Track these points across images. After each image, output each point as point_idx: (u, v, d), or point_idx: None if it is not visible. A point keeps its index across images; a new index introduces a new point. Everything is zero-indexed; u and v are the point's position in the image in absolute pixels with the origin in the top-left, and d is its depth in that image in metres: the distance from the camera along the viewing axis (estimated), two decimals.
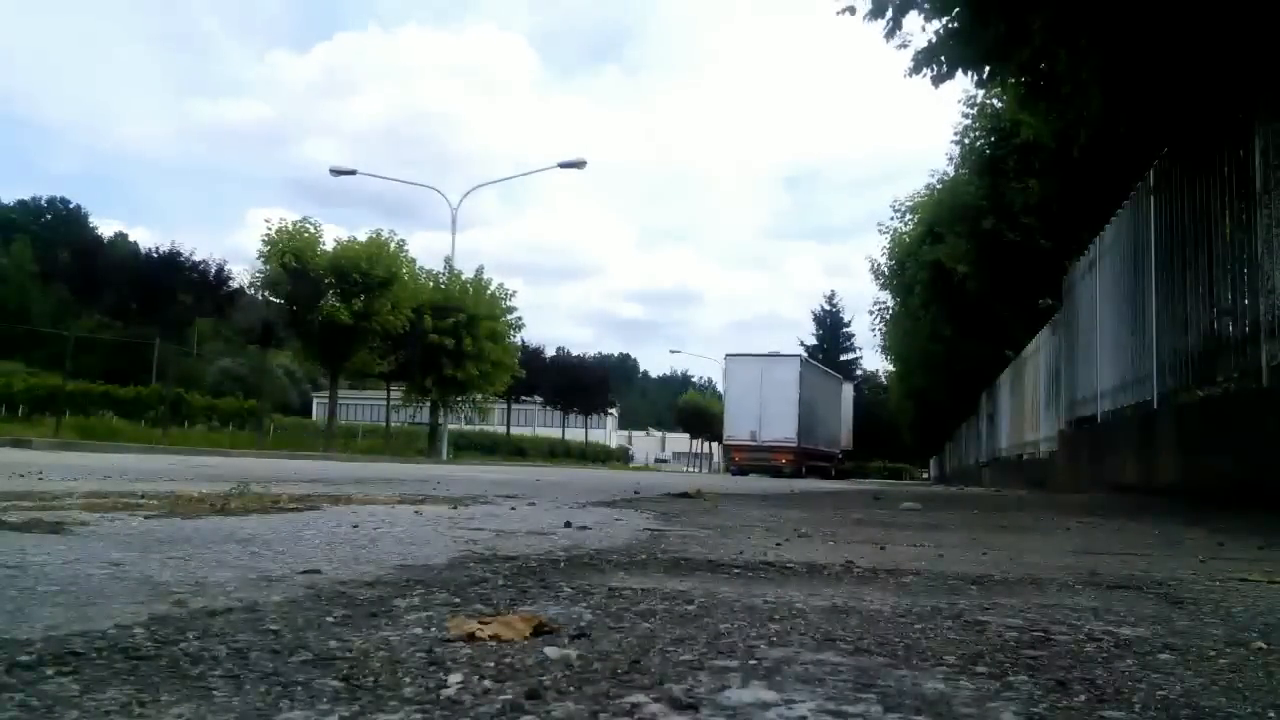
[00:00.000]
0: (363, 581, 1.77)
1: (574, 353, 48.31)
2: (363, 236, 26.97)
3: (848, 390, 48.60)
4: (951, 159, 20.34)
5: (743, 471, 33.34)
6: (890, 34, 7.40)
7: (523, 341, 35.86)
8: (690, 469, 57.01)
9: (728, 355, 37.93)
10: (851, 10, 7.29)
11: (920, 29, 7.60)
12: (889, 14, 7.26)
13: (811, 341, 75.28)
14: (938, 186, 22.62)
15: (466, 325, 28.60)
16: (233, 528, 2.75)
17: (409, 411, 33.08)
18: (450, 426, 32.51)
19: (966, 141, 18.00)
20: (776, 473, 31.99)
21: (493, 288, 30.73)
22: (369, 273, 25.69)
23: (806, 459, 37.12)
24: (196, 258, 24.17)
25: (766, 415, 35.48)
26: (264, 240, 25.69)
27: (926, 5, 7.32)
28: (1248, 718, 1.05)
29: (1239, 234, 6.14)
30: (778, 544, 2.92)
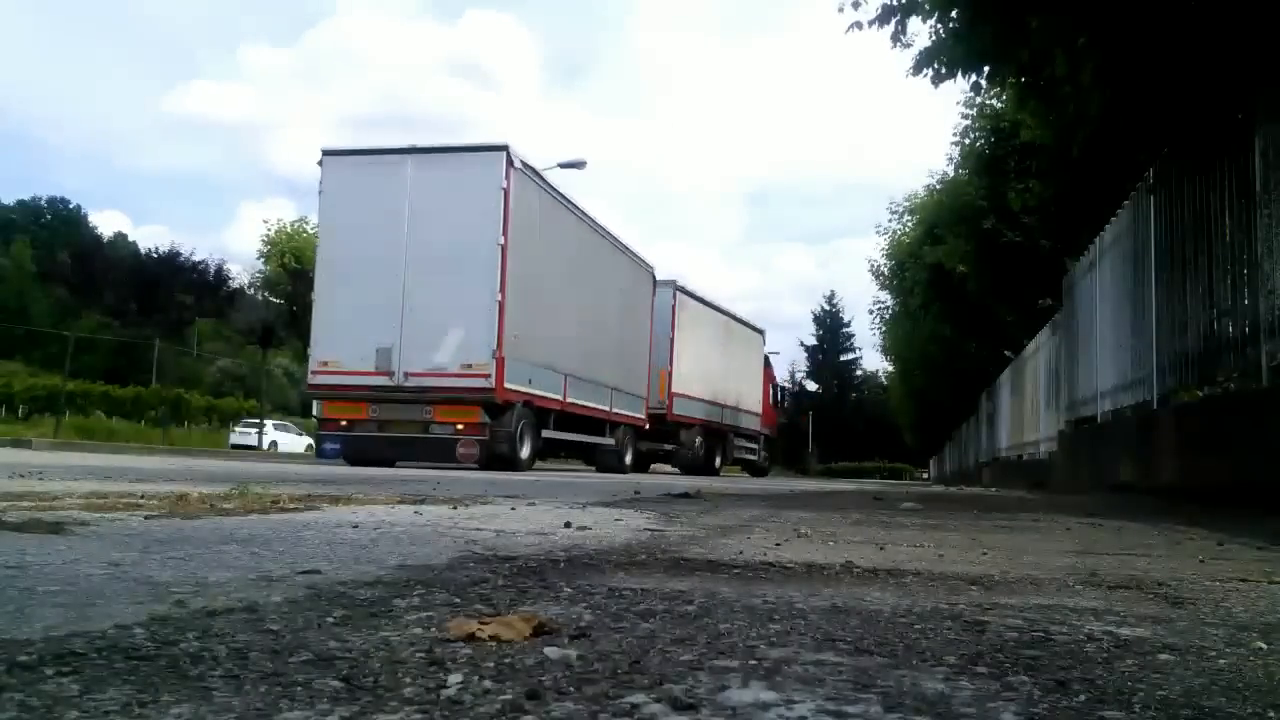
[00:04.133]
0: (363, 581, 1.77)
1: None
2: None
3: (754, 342, 29.83)
4: (951, 159, 20.35)
5: (353, 455, 14.01)
6: (896, 38, 7.43)
7: None
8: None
9: (325, 153, 14.84)
10: (859, 26, 7.35)
11: (921, 31, 7.63)
12: (895, 20, 7.30)
13: (811, 341, 75.29)
14: (937, 187, 22.63)
15: None
16: (233, 528, 2.75)
17: None
18: None
19: (966, 142, 18.01)
20: (443, 455, 13.79)
21: None
22: None
23: (573, 426, 17.22)
24: (196, 257, 24.22)
25: (420, 304, 13.93)
26: (263, 240, 25.67)
27: (926, 6, 7.34)
28: (1248, 718, 1.05)
29: (1239, 234, 6.14)
30: (777, 544, 2.92)
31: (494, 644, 1.25)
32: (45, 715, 0.89)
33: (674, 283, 23.56)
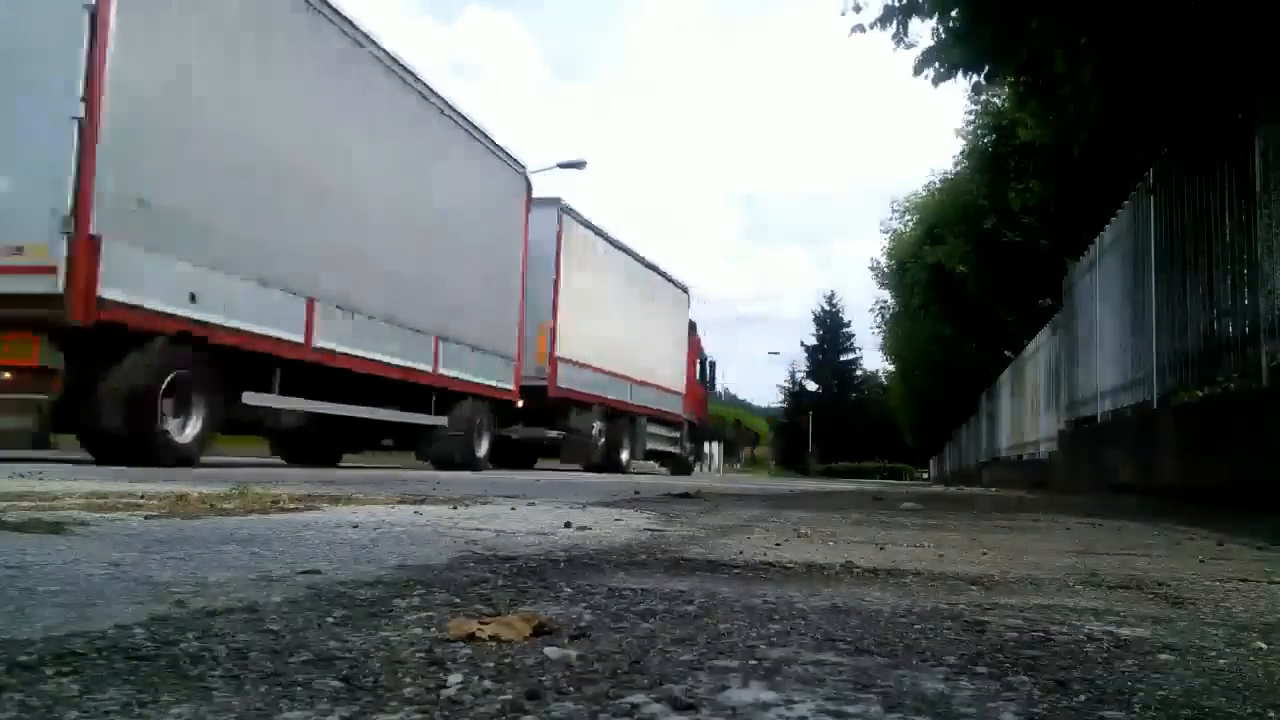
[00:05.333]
0: (363, 581, 1.77)
1: None
2: None
3: (677, 302, 23.49)
4: (954, 157, 20.37)
5: None
6: (898, 39, 7.44)
7: None
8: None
9: None
10: (861, 28, 7.38)
11: (924, 30, 7.65)
12: (896, 20, 7.32)
13: (811, 341, 75.26)
14: (938, 186, 22.66)
15: None
16: (233, 528, 2.75)
17: None
18: None
19: (968, 139, 18.04)
20: None
21: None
22: None
23: (342, 390, 10.71)
24: None
25: None
26: None
27: (926, 6, 7.34)
28: (1248, 718, 1.05)
29: (1239, 234, 6.14)
30: (777, 544, 2.92)
31: (494, 644, 1.25)
32: (45, 715, 0.89)
33: (559, 202, 16.55)
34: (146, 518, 2.91)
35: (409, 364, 11.89)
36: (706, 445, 35.96)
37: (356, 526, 2.91)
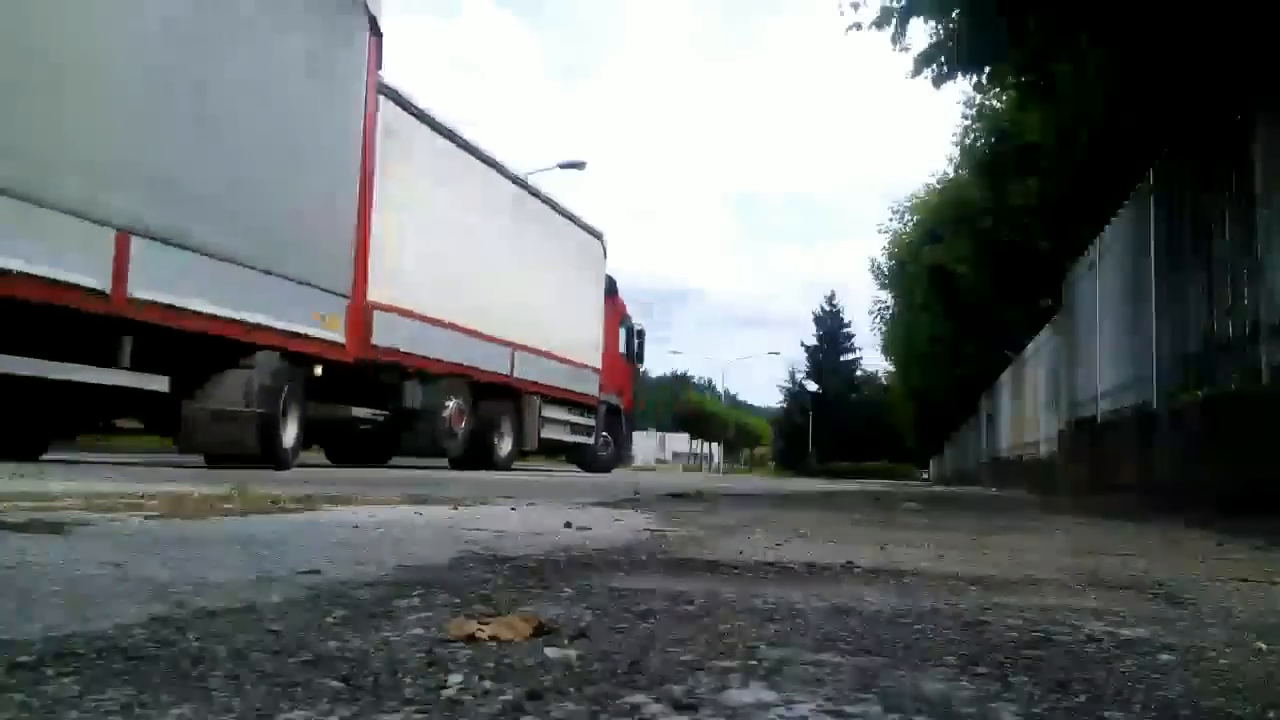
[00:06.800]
0: (363, 582, 1.77)
1: None
2: None
3: (587, 251, 17.86)
4: (951, 160, 20.38)
5: None
6: (896, 39, 7.44)
7: None
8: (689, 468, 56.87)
9: None
10: (858, 27, 7.37)
11: (921, 32, 7.64)
12: (894, 21, 7.31)
13: (811, 342, 75.26)
14: (937, 187, 22.67)
15: None
16: (233, 528, 2.75)
17: None
18: None
19: (966, 142, 18.04)
20: None
21: None
22: None
23: None
24: None
25: None
26: None
27: (926, 7, 7.34)
28: (1247, 718, 1.05)
29: (1239, 234, 6.14)
30: (778, 544, 2.92)
31: (494, 644, 1.25)
32: (45, 715, 0.89)
33: (380, 81, 10.67)
34: (146, 518, 2.91)
35: (91, 283, 7.03)
36: (705, 445, 27.49)
37: (356, 527, 2.91)
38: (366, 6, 9.98)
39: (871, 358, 74.71)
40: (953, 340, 25.00)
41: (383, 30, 10.24)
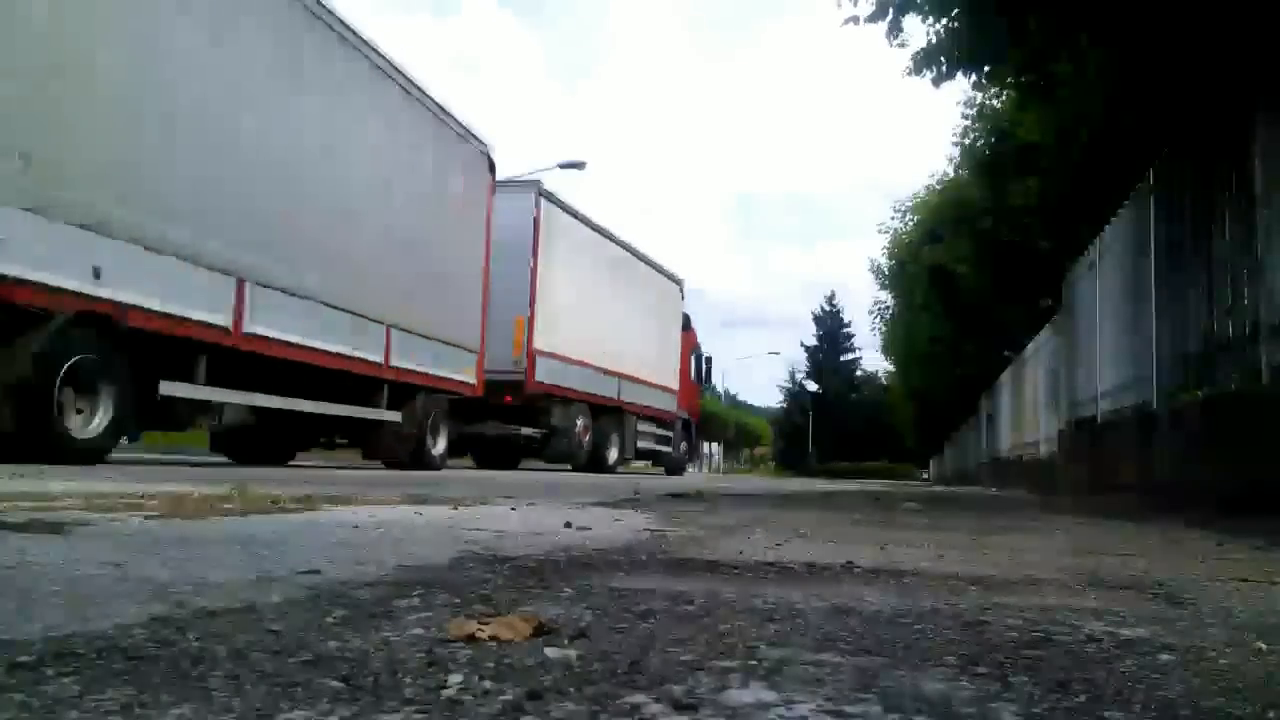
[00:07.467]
0: (363, 582, 1.77)
1: None
2: None
3: (669, 294, 22.23)
4: (951, 160, 20.38)
5: None
6: (891, 34, 7.43)
7: None
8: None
9: None
10: (855, 20, 7.35)
11: (920, 31, 7.64)
12: (889, 15, 7.30)
13: (811, 342, 75.25)
14: (937, 187, 22.67)
15: None
16: (233, 528, 2.75)
17: None
18: None
19: (966, 142, 18.04)
20: None
21: None
22: None
23: (279, 380, 9.79)
24: None
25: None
26: None
27: (925, 5, 7.34)
28: (1247, 718, 1.05)
29: (1239, 234, 6.14)
30: (778, 544, 2.92)
31: (494, 644, 1.25)
32: (45, 715, 0.89)
33: (538, 185, 16.01)
34: (146, 518, 2.91)
35: (358, 354, 10.87)
36: (705, 445, 35.08)
37: (356, 527, 2.91)
38: (488, 154, 14.10)
39: (871, 358, 74.79)
40: (953, 340, 25.00)
41: (495, 163, 14.32)
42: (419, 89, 12.06)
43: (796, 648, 1.31)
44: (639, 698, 1.01)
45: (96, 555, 1.99)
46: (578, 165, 24.14)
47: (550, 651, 1.21)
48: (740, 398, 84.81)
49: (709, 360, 25.87)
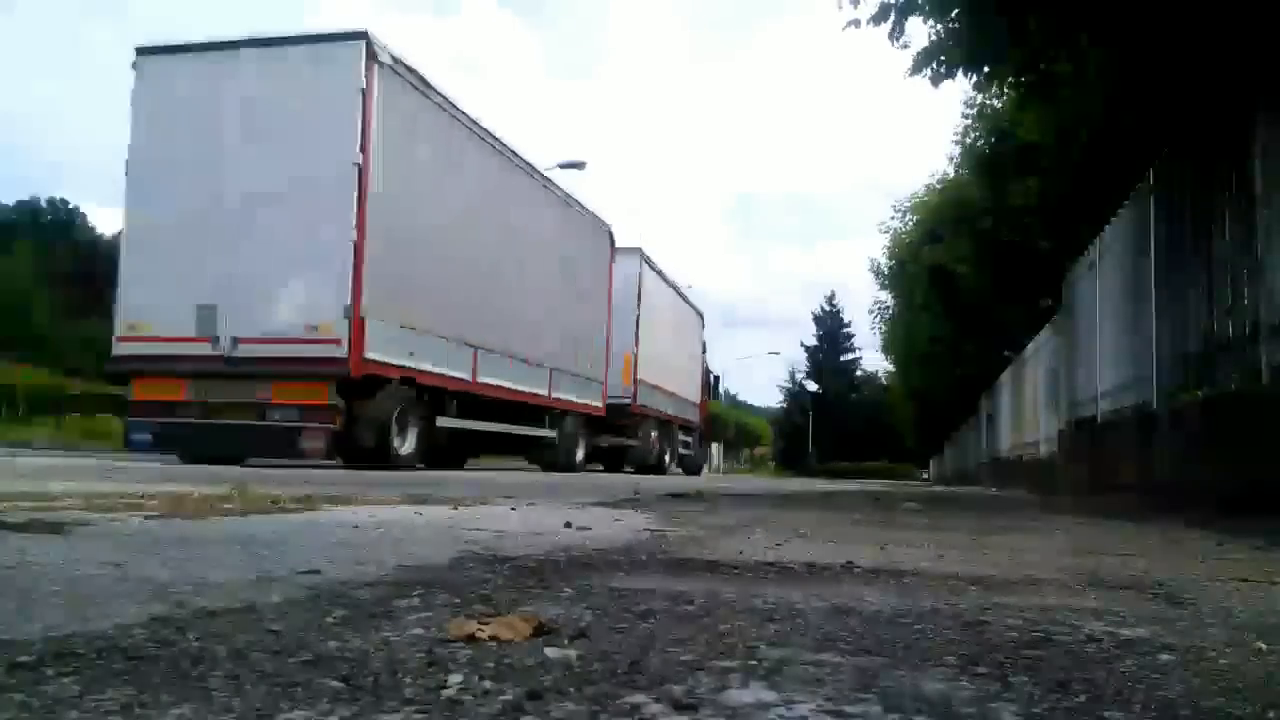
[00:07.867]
0: (363, 582, 1.77)
1: None
2: None
3: (696, 324, 26.78)
4: (951, 159, 20.37)
5: (173, 447, 10.76)
6: (893, 36, 7.42)
7: None
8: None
9: (140, 52, 10.82)
10: (856, 23, 7.33)
11: (920, 30, 7.63)
12: (892, 17, 7.29)
13: (811, 342, 75.25)
14: (937, 187, 22.66)
15: None
16: (233, 528, 2.75)
17: None
18: None
19: (966, 142, 18.03)
20: (285, 448, 10.30)
21: None
22: None
23: (491, 413, 13.94)
24: None
25: (254, 247, 10.33)
26: None
27: (926, 6, 7.33)
28: (1247, 718, 1.05)
29: (1239, 234, 6.14)
30: (778, 544, 2.92)
31: (494, 644, 1.25)
32: (45, 715, 0.89)
33: (640, 251, 20.41)
34: (146, 518, 2.91)
35: (536, 390, 15.40)
36: (711, 447, 39.55)
37: (356, 527, 2.91)
38: (610, 231, 18.66)
39: (871, 358, 74.66)
40: (953, 340, 25.00)
41: (614, 234, 18.87)
42: (571, 196, 16.97)
43: (796, 648, 1.31)
44: (639, 698, 1.01)
45: (96, 555, 1.99)
46: (577, 165, 24.19)
47: (550, 651, 1.21)
48: (740, 398, 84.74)
49: (717, 378, 31.80)
